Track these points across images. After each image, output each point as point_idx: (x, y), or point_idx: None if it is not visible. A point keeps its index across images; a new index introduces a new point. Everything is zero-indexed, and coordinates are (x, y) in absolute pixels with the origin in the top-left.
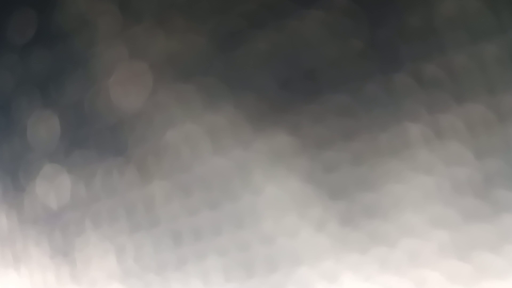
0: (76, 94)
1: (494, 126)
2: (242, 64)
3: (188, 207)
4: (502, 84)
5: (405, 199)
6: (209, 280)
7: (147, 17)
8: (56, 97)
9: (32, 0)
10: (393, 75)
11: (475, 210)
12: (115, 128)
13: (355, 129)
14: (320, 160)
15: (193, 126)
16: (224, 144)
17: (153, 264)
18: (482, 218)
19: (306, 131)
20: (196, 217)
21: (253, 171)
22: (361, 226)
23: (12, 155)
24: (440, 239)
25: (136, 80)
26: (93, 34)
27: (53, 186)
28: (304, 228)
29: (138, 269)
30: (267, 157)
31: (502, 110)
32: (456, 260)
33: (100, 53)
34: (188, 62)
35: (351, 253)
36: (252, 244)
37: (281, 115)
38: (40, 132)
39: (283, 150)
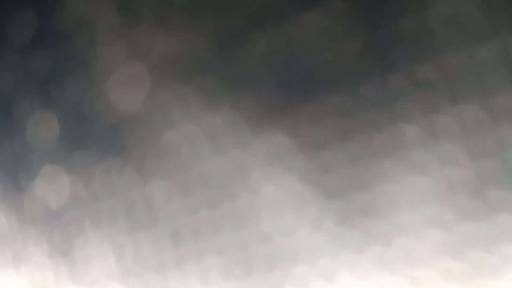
0: (76, 94)
1: (488, 127)
2: (241, 64)
3: (187, 207)
4: (496, 85)
5: (400, 199)
6: (208, 278)
7: (146, 17)
8: (56, 98)
9: (32, 1)
10: (389, 76)
11: (469, 209)
12: (115, 128)
13: (351, 129)
14: (317, 160)
15: (192, 126)
16: (223, 144)
17: (152, 263)
18: (475, 217)
19: (303, 131)
20: (195, 216)
21: (251, 171)
22: (357, 225)
23: (12, 155)
24: (434, 238)
25: (135, 81)
26: (93, 35)
27: (52, 186)
28: (301, 227)
29: (138, 268)
30: (265, 157)
31: (495, 111)
32: (450, 258)
33: (100, 53)
34: (187, 62)
35: (347, 252)
36: (250, 243)
37: (279, 115)
38: (40, 132)
39: (280, 150)
